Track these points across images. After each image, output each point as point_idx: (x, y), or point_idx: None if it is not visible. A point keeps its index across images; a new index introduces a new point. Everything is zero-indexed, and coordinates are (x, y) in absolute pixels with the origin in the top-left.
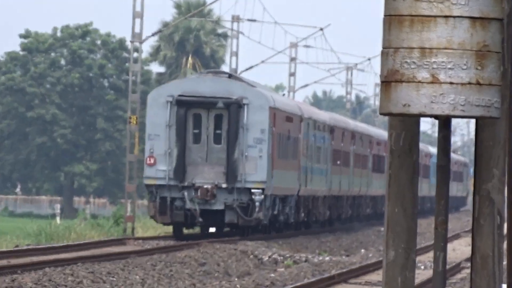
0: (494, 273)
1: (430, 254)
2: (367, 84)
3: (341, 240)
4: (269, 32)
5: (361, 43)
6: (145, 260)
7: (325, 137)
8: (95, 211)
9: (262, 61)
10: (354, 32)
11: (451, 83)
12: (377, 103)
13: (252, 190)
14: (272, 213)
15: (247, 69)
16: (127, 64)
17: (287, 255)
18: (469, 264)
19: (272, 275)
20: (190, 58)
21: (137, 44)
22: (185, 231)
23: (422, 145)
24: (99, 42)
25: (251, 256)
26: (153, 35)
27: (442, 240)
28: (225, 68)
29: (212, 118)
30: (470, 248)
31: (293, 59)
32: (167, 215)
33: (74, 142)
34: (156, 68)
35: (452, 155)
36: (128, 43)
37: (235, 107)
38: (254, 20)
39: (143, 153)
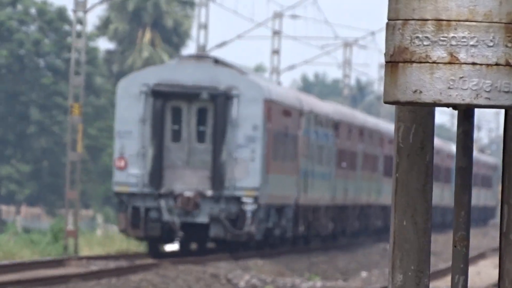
0: None
1: (448, 279)
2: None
3: (336, 260)
4: None
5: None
6: (90, 285)
7: (329, 134)
8: (28, 224)
9: (238, 36)
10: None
11: (473, 63)
12: (382, 88)
13: (243, 199)
14: (266, 226)
15: (218, 46)
16: (68, 39)
17: (268, 280)
18: None
19: None
20: (147, 32)
21: (80, 14)
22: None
23: (441, 143)
24: (33, 11)
25: (224, 281)
26: (101, 2)
27: (462, 260)
28: (191, 43)
29: (195, 112)
30: (497, 271)
31: (277, 33)
32: (141, 228)
33: (1, 137)
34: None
35: (478, 155)
36: (70, 13)
37: (222, 99)
38: None
39: (91, 152)
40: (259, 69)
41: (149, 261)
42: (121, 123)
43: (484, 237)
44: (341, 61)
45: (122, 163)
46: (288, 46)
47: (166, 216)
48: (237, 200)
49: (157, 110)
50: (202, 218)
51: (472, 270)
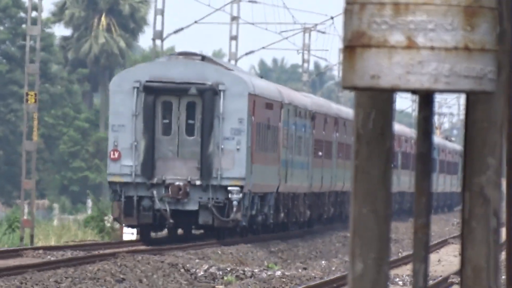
0: None
1: (409, 267)
2: (330, 50)
3: (296, 249)
4: None
5: None
6: (47, 275)
7: (306, 125)
8: None
9: (195, 21)
10: None
11: (432, 48)
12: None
13: (229, 188)
14: (251, 213)
15: (176, 31)
16: (23, 26)
17: (228, 269)
18: (458, 279)
19: None
20: (103, 18)
21: (35, 0)
22: (153, 234)
23: (411, 132)
24: None
25: (182, 270)
26: None
27: (423, 248)
28: (148, 30)
29: (184, 107)
30: (459, 258)
31: (234, 18)
32: (134, 216)
33: None
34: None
35: (444, 141)
36: None
37: (209, 94)
38: None
39: (47, 141)
40: (217, 54)
41: (107, 251)
42: (114, 118)
43: (446, 224)
44: (299, 46)
45: (116, 155)
46: (246, 31)
47: (158, 205)
48: (224, 189)
49: (148, 105)
50: (191, 206)
51: (434, 257)
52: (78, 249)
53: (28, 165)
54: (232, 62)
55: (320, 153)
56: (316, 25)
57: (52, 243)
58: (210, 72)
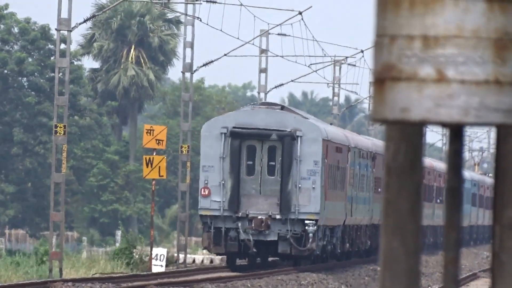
0: None
1: None
2: (360, 84)
3: (326, 282)
4: (234, 17)
5: (351, 31)
6: None
7: (368, 165)
8: (12, 246)
9: (225, 54)
10: (341, 17)
11: (462, 81)
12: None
13: (306, 221)
14: (322, 243)
15: (205, 64)
16: (52, 59)
17: None
18: None
19: None
20: (132, 50)
21: (64, 32)
22: (238, 261)
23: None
24: (16, 29)
25: None
26: (85, 21)
27: (453, 281)
28: (177, 62)
29: (266, 150)
30: None
31: (264, 51)
32: (221, 245)
33: None
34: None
35: (484, 177)
36: (53, 31)
37: (288, 139)
38: (214, 2)
39: (76, 173)
40: (247, 87)
41: (135, 283)
42: (205, 159)
43: (477, 258)
44: (330, 79)
45: (206, 192)
46: (276, 64)
47: (242, 235)
48: (301, 222)
49: (234, 148)
50: (272, 237)
51: None
52: (107, 281)
53: (57, 197)
54: (262, 94)
55: (379, 189)
56: (346, 58)
57: (81, 275)
58: (289, 120)
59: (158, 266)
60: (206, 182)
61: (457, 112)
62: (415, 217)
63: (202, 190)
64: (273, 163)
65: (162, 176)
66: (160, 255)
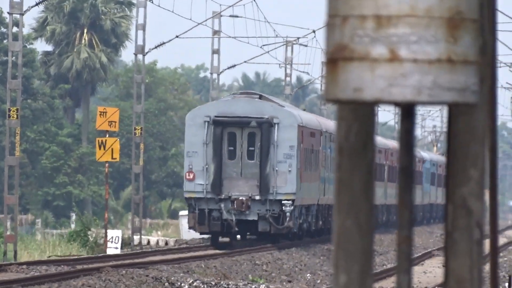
0: None
1: (394, 279)
2: (312, 64)
3: (281, 262)
4: None
5: (303, 11)
6: None
7: None
8: None
9: (177, 36)
10: None
11: (415, 60)
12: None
13: (283, 202)
14: (299, 222)
15: (157, 46)
16: (5, 42)
17: (212, 283)
18: None
19: None
20: (85, 33)
21: (17, 16)
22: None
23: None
24: None
25: (166, 284)
26: (37, 4)
27: (406, 260)
28: (130, 44)
29: (246, 136)
30: (443, 270)
31: (216, 32)
32: (205, 225)
33: None
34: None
35: (442, 158)
36: (6, 15)
37: (266, 126)
38: None
39: (30, 156)
40: (200, 69)
41: (91, 265)
42: (189, 146)
43: (431, 236)
44: (282, 60)
45: (191, 176)
46: (228, 46)
47: (225, 215)
48: (279, 202)
49: (217, 135)
50: (252, 217)
51: (419, 269)
52: (62, 264)
53: (11, 180)
54: (215, 76)
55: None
56: (298, 38)
57: (36, 258)
58: (266, 108)
59: (113, 248)
60: (190, 167)
61: (410, 91)
62: (367, 196)
63: (187, 174)
64: (252, 148)
65: (115, 158)
66: (115, 237)
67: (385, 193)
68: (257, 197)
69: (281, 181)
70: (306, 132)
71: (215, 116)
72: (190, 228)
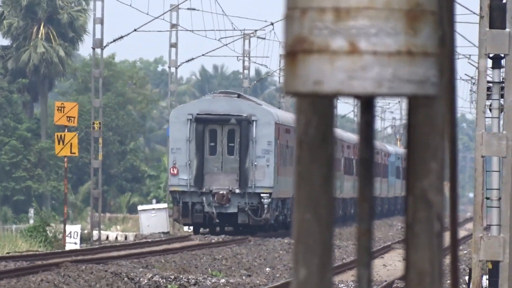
0: None
1: (354, 272)
2: (270, 56)
3: (240, 257)
4: None
5: (260, 4)
6: None
7: None
8: None
9: (135, 29)
10: None
11: (374, 52)
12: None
13: (261, 195)
14: (276, 214)
15: (115, 40)
16: None
17: (171, 277)
18: (403, 284)
19: None
20: (42, 27)
21: None
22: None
23: (379, 144)
24: None
25: (126, 279)
26: None
27: (366, 253)
28: (87, 38)
29: (226, 133)
30: (404, 263)
31: (174, 26)
32: (189, 217)
33: None
34: None
35: (402, 150)
36: None
37: (245, 123)
38: None
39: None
40: (158, 62)
41: (50, 261)
42: (173, 142)
43: (391, 229)
44: (240, 53)
45: (175, 171)
46: (186, 39)
47: (207, 208)
48: (258, 195)
49: (199, 132)
50: (232, 209)
51: (379, 262)
52: (20, 259)
53: None
54: (173, 69)
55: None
56: (256, 31)
57: None
58: (245, 106)
59: (72, 244)
60: (174, 162)
61: (370, 83)
62: (327, 189)
63: (171, 169)
64: (232, 144)
65: (74, 153)
66: (74, 232)
67: (342, 186)
68: (237, 191)
69: (259, 175)
70: (282, 129)
71: (197, 114)
72: (174, 220)
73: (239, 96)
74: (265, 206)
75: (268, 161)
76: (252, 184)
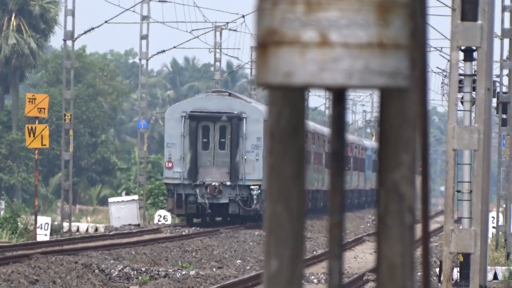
0: (404, 287)
1: (325, 264)
2: (242, 49)
3: (211, 249)
4: None
5: None
6: None
7: None
8: None
9: (106, 21)
10: None
11: (346, 44)
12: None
13: (251, 187)
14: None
15: (86, 32)
16: None
17: (142, 269)
18: (374, 276)
19: None
20: (13, 19)
21: None
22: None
23: (356, 138)
24: None
25: (97, 271)
26: None
27: (337, 246)
28: (59, 30)
29: (218, 129)
30: (375, 255)
31: (145, 18)
32: (183, 208)
33: None
34: None
35: (374, 143)
36: None
37: (236, 120)
38: None
39: None
40: (129, 54)
41: (20, 252)
42: (168, 137)
43: (362, 222)
44: (211, 45)
45: (170, 165)
46: (157, 31)
47: (200, 199)
48: (247, 187)
49: (192, 128)
50: (224, 200)
51: (350, 254)
52: None
53: None
54: (144, 61)
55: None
56: (227, 23)
57: None
58: (235, 104)
59: (42, 235)
60: (169, 156)
61: (342, 75)
62: (299, 181)
63: (167, 163)
64: (223, 140)
65: (45, 145)
66: (45, 224)
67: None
68: (228, 183)
69: (249, 169)
70: None
71: (191, 112)
72: (168, 211)
73: (230, 94)
74: (255, 197)
75: (258, 156)
76: (242, 177)
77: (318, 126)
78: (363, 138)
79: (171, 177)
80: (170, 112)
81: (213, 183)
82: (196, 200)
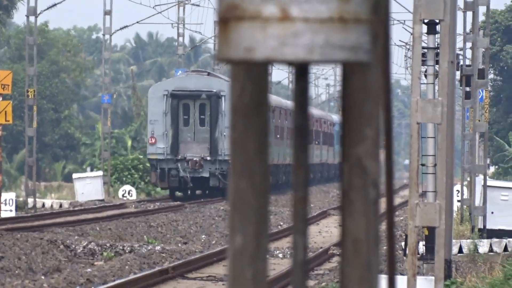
0: (369, 262)
1: (290, 239)
2: (204, 24)
3: (176, 224)
4: None
5: None
6: None
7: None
8: None
9: None
10: None
11: (306, 19)
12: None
13: (230, 161)
14: None
15: (50, 7)
16: None
17: (107, 245)
18: (339, 250)
19: (89, 270)
20: None
21: None
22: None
23: (325, 113)
24: None
25: (62, 247)
26: None
27: (301, 221)
28: (22, 6)
29: (198, 107)
30: (340, 230)
31: None
32: (165, 181)
33: None
34: None
35: (335, 116)
36: None
37: (215, 98)
38: None
39: None
40: (93, 30)
41: None
42: (151, 115)
43: (327, 196)
44: (174, 20)
45: (153, 141)
46: (120, 6)
47: (182, 173)
48: (227, 162)
49: (174, 106)
50: (204, 174)
51: (315, 229)
52: None
53: None
54: (107, 37)
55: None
56: None
57: None
58: (214, 83)
59: (7, 211)
60: (152, 132)
61: (302, 50)
62: (262, 156)
63: (150, 139)
64: (203, 117)
65: (8, 121)
66: (9, 200)
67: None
68: (208, 158)
69: (228, 144)
70: None
71: (172, 90)
72: (152, 184)
73: (209, 74)
74: None
75: None
76: (222, 152)
77: (282, 100)
78: (332, 113)
79: (155, 152)
80: (153, 91)
81: (194, 158)
82: (178, 174)
